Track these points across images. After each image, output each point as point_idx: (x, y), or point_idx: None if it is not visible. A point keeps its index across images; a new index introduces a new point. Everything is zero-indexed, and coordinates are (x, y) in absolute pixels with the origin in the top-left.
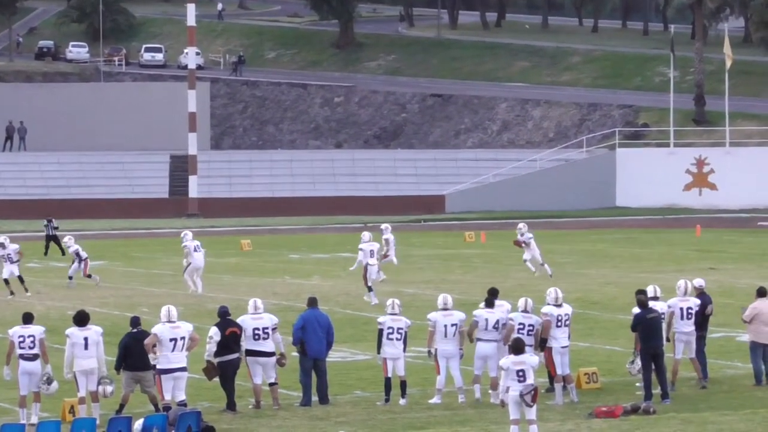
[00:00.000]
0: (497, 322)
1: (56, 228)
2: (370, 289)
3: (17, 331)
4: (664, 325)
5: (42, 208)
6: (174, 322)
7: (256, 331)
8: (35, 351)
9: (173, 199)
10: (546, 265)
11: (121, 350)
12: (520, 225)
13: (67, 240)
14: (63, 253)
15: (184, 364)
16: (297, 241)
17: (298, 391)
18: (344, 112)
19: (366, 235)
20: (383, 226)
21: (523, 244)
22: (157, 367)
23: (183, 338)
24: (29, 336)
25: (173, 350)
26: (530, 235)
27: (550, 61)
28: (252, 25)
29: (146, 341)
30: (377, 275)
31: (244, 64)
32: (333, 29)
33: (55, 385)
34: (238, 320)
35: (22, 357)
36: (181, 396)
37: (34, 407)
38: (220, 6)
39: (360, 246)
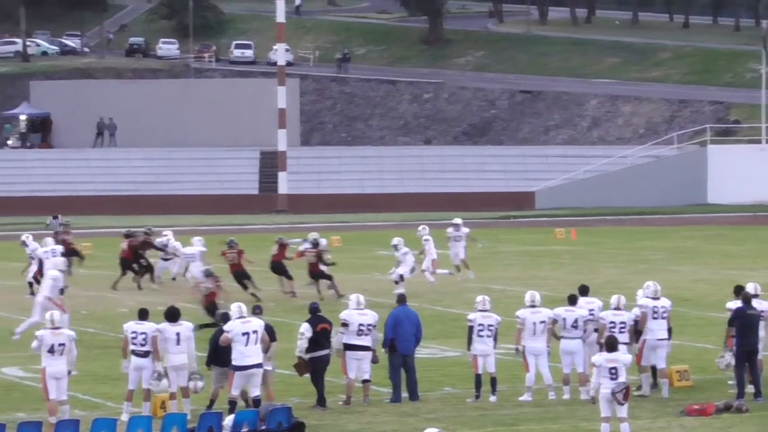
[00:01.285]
0: (576, 320)
1: (63, 224)
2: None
3: (131, 326)
4: (762, 324)
5: (132, 204)
6: (245, 317)
7: (361, 327)
8: (147, 348)
9: (263, 195)
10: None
11: (212, 346)
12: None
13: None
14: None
15: (259, 361)
16: (386, 237)
17: (387, 388)
18: (433, 109)
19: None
20: (420, 227)
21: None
22: (232, 363)
23: (255, 332)
24: (142, 333)
25: (246, 344)
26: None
27: (640, 57)
28: (341, 21)
29: (220, 340)
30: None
31: (349, 61)
32: (422, 25)
33: (164, 382)
34: (343, 315)
35: (134, 353)
36: (256, 392)
37: (124, 406)
38: (298, 1)
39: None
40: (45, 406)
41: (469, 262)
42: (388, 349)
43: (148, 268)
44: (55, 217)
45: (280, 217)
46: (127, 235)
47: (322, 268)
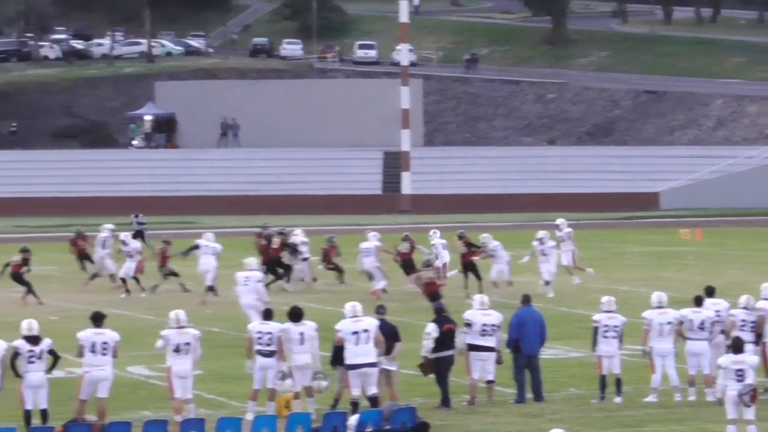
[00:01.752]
0: (702, 322)
1: (142, 224)
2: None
3: (256, 326)
4: None
5: (255, 205)
6: (358, 316)
7: (485, 327)
8: (272, 348)
9: (386, 196)
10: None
11: (336, 346)
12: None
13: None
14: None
15: (371, 360)
16: (509, 237)
17: (512, 388)
18: (556, 109)
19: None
20: (431, 231)
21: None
22: (345, 362)
23: (366, 331)
24: (267, 333)
25: (357, 344)
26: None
27: (766, 57)
28: (464, 21)
29: (334, 340)
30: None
31: (477, 62)
32: (545, 25)
33: (289, 382)
34: (467, 315)
35: (259, 353)
36: (372, 390)
37: (249, 405)
38: (417, 1)
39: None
40: (170, 405)
41: (580, 264)
42: (512, 350)
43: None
44: (136, 216)
45: (404, 217)
46: (265, 235)
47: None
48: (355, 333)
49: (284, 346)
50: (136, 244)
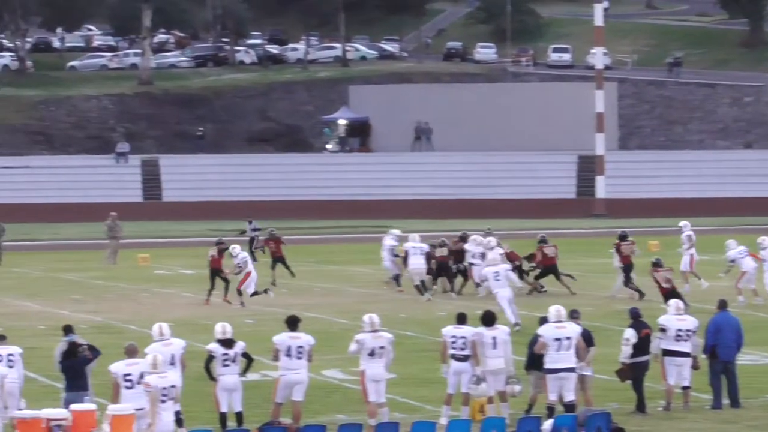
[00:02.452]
0: None
1: (257, 230)
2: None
3: (450, 330)
4: None
5: (449, 209)
6: (561, 322)
7: (679, 332)
8: (466, 352)
9: (580, 200)
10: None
11: (531, 350)
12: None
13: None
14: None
15: (571, 365)
16: (705, 242)
17: (708, 394)
18: (754, 112)
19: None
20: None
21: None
22: (544, 366)
23: (569, 338)
24: (461, 337)
25: (558, 350)
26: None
27: None
28: (659, 24)
29: (536, 347)
30: None
31: (680, 66)
32: (742, 28)
33: (483, 386)
34: (662, 320)
35: (454, 357)
36: (570, 396)
37: (443, 409)
38: (606, 4)
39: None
40: (365, 409)
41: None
42: (708, 356)
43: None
44: (250, 222)
45: (598, 221)
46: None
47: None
48: (558, 339)
49: (478, 350)
50: (243, 255)
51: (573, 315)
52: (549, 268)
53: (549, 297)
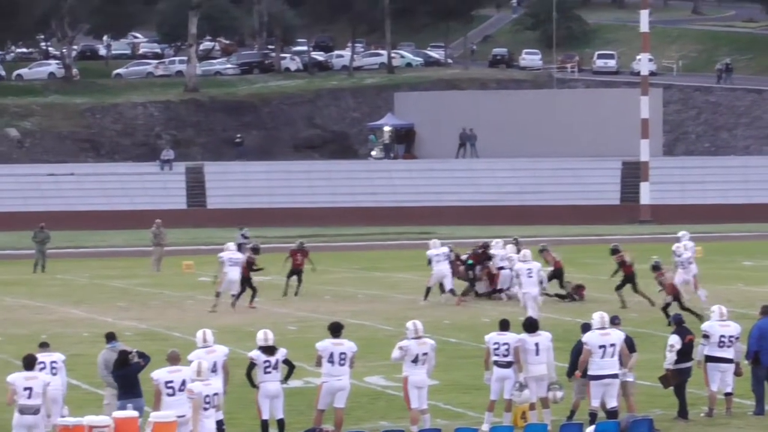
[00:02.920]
0: None
1: (246, 238)
2: None
3: (493, 337)
4: None
5: (495, 215)
6: (605, 328)
7: (722, 338)
8: (509, 358)
9: (625, 206)
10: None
11: (573, 356)
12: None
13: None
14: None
15: (615, 371)
16: (750, 248)
17: (750, 400)
18: None
19: None
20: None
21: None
22: (588, 373)
23: (613, 345)
24: (504, 343)
25: (602, 357)
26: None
27: None
28: (706, 30)
29: (580, 359)
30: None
31: (731, 72)
32: None
33: (526, 392)
34: (705, 326)
35: (497, 363)
36: (612, 403)
37: (486, 416)
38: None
39: None
40: (407, 415)
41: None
42: (751, 362)
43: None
44: (241, 228)
45: (643, 228)
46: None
47: None
48: (602, 347)
49: (521, 356)
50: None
51: (614, 321)
52: (628, 277)
53: (588, 303)
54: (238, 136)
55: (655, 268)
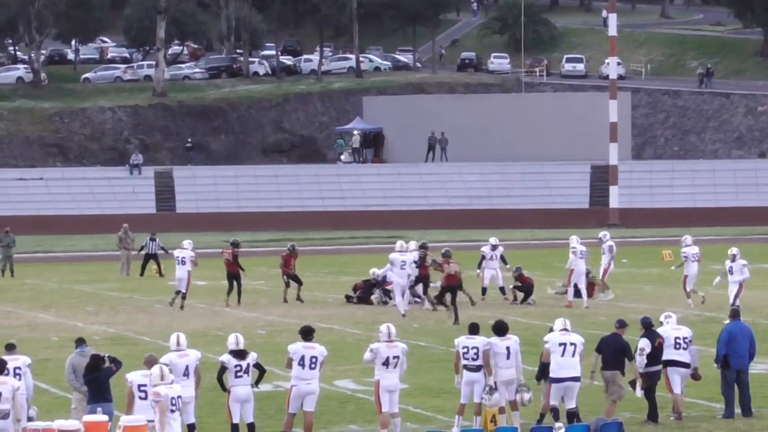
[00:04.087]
0: None
1: (162, 248)
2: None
3: (462, 341)
4: None
5: (464, 219)
6: (567, 329)
7: (678, 340)
8: (479, 362)
9: (593, 210)
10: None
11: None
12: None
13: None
14: (161, 274)
15: (576, 374)
16: (719, 251)
17: (720, 403)
18: None
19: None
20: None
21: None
22: (549, 375)
23: (573, 345)
24: (473, 347)
25: (563, 355)
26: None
27: None
28: (674, 34)
29: (542, 355)
30: None
31: (712, 76)
32: (757, 37)
33: (496, 396)
34: (660, 330)
35: (466, 367)
36: (571, 404)
37: (456, 419)
38: (604, 13)
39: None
40: (377, 419)
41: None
42: (721, 365)
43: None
44: (153, 239)
45: (612, 231)
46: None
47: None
48: (562, 345)
49: (490, 360)
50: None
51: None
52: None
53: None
54: (189, 140)
55: (445, 256)
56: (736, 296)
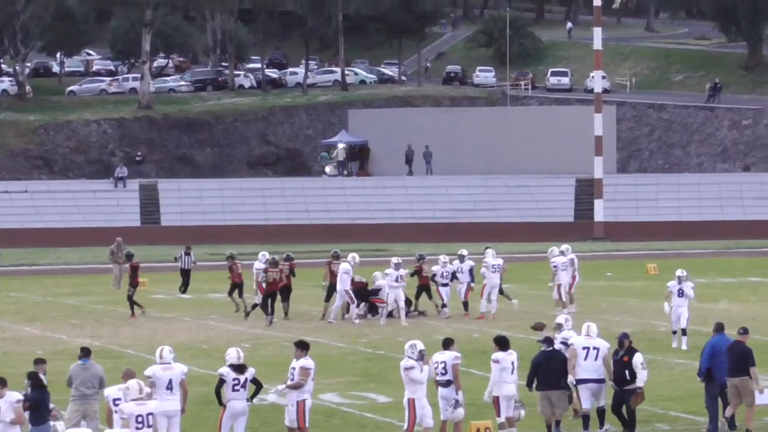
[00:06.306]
0: None
1: (194, 263)
2: None
3: (434, 356)
4: None
5: (449, 232)
6: (591, 336)
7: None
8: (448, 377)
9: (578, 223)
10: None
11: (532, 369)
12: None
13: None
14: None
15: (598, 377)
16: (704, 265)
17: (704, 417)
18: (752, 135)
19: None
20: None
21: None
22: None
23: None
24: (441, 362)
25: (585, 359)
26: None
27: None
28: (659, 48)
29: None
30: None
31: (719, 91)
32: (741, 51)
33: (460, 410)
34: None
35: (436, 382)
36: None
37: None
38: (570, 25)
39: None
40: None
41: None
42: (703, 379)
43: None
44: (188, 253)
45: (597, 245)
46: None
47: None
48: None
49: (496, 375)
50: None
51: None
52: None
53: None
54: (138, 154)
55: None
56: (687, 319)
